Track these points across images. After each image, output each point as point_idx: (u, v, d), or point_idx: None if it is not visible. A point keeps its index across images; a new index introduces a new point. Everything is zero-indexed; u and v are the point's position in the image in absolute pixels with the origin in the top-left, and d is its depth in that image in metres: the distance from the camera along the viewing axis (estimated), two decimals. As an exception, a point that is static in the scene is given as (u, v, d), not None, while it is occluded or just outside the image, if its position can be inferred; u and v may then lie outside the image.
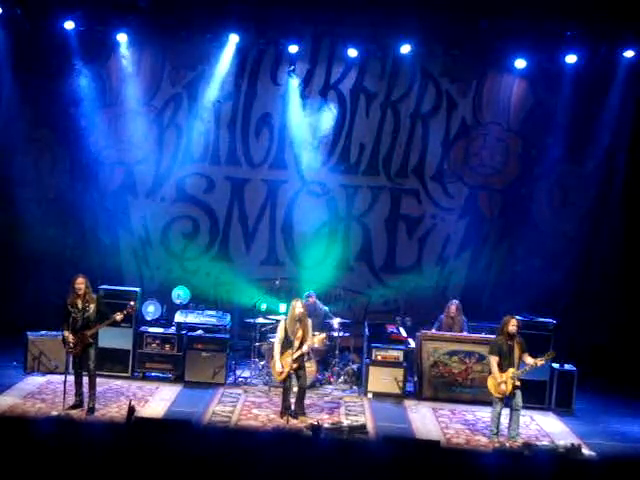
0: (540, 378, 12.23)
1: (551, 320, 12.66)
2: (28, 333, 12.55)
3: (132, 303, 11.33)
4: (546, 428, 11.48)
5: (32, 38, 13.99)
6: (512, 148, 15.05)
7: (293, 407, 10.98)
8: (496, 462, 4.12)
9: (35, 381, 12.06)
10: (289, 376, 10.92)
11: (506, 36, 13.80)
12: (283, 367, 10.88)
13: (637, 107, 14.39)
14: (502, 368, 10.45)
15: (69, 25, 13.91)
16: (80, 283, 10.59)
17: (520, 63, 14.24)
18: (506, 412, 10.60)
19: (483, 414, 11.75)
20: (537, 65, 14.29)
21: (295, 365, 10.87)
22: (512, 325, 10.49)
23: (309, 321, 11.14)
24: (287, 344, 10.96)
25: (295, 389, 11.06)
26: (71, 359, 10.78)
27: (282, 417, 10.80)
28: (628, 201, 14.74)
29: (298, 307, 10.97)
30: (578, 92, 14.34)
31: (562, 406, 12.34)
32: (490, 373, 10.64)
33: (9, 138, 14.72)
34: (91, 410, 10.68)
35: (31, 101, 14.57)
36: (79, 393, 10.87)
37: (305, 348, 10.97)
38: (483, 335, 12.59)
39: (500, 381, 10.39)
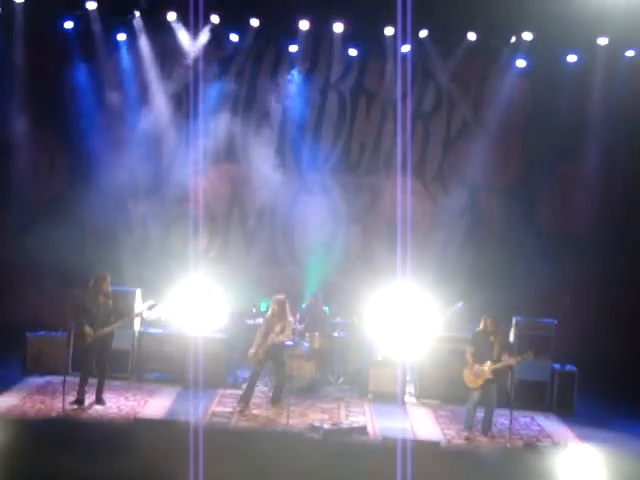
0: (541, 379, 12.21)
1: (552, 320, 12.63)
2: (28, 334, 12.52)
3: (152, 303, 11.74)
4: (547, 429, 11.45)
5: (32, 38, 13.98)
6: (513, 147, 15.03)
7: (271, 393, 11.61)
8: (495, 462, 4.11)
9: (35, 382, 12.03)
10: (263, 368, 11.51)
11: (506, 36, 13.81)
12: (257, 351, 11.35)
13: (636, 106, 14.36)
14: (478, 361, 10.59)
15: (69, 25, 13.91)
16: (108, 282, 11.05)
17: (520, 63, 14.23)
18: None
19: (483, 414, 11.73)
20: (537, 65, 14.27)
21: (262, 356, 11.34)
22: (483, 325, 10.74)
23: (289, 318, 11.53)
24: (264, 337, 11.47)
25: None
26: (85, 358, 10.99)
27: (239, 406, 11.22)
28: (629, 200, 14.72)
29: (276, 304, 11.49)
30: (578, 92, 14.32)
31: (563, 407, 12.31)
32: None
33: (9, 138, 14.69)
34: (100, 401, 10.95)
35: (31, 101, 14.55)
36: (82, 392, 10.92)
37: (278, 338, 11.34)
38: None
39: (474, 371, 10.56)
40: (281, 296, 11.68)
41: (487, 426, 10.65)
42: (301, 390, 12.18)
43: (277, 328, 11.37)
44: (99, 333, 10.84)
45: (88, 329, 10.79)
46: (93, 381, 11.33)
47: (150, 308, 11.57)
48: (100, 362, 11.00)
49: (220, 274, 14.98)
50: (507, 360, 10.53)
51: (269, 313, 11.68)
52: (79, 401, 10.84)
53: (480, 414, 10.71)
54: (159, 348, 12.65)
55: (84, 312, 10.89)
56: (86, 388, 10.92)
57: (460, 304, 12.84)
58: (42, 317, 12.98)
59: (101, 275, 11.10)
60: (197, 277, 14.90)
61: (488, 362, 10.50)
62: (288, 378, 11.45)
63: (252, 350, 11.43)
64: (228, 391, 12.23)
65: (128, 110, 14.82)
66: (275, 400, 11.47)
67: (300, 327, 13.40)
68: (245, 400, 11.29)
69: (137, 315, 11.79)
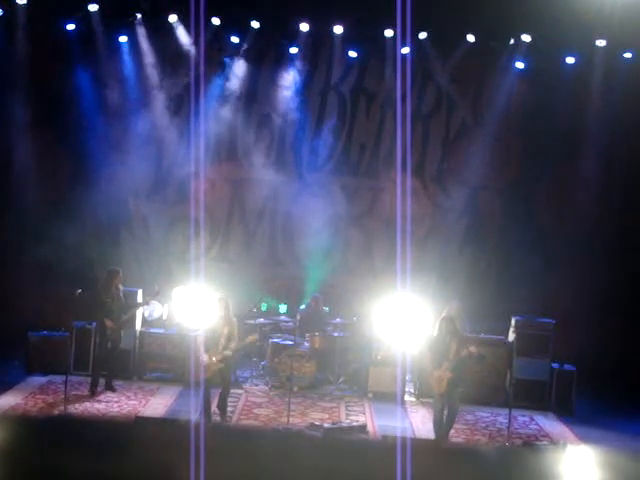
0: (540, 378, 12.26)
1: (551, 320, 12.69)
2: (29, 333, 12.59)
3: (157, 288, 12.40)
4: (545, 428, 11.51)
5: (33, 39, 14.05)
6: (512, 148, 15.08)
7: (215, 407, 10.72)
8: (494, 460, 4.16)
9: (37, 381, 12.10)
10: (216, 375, 10.70)
11: (504, 38, 13.88)
12: (208, 365, 10.56)
13: (635, 107, 14.42)
14: (437, 365, 10.18)
15: (71, 27, 13.98)
16: (120, 277, 11.87)
17: (519, 64, 14.31)
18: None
19: (483, 414, 11.81)
20: (537, 65, 14.34)
21: (221, 365, 10.61)
22: (439, 326, 10.45)
23: (234, 320, 10.90)
24: (211, 342, 10.72)
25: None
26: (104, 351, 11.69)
27: (206, 418, 10.45)
28: (628, 200, 14.76)
29: (220, 305, 10.79)
30: (576, 93, 14.38)
31: (562, 406, 12.36)
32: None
33: (10, 140, 14.75)
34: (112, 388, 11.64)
35: (32, 102, 14.60)
36: (95, 391, 11.49)
37: (229, 352, 10.64)
38: (482, 335, 12.61)
39: (435, 377, 10.19)
40: (223, 296, 11.03)
41: (446, 429, 10.22)
42: (302, 389, 12.26)
43: (225, 331, 10.65)
44: (118, 324, 11.61)
45: (109, 322, 11.51)
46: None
47: (157, 293, 12.26)
48: (111, 354, 11.70)
49: (221, 274, 15.07)
50: (467, 352, 10.07)
51: (216, 316, 10.81)
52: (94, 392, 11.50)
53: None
54: (160, 348, 12.71)
55: (101, 306, 11.52)
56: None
57: (455, 303, 12.89)
58: (44, 317, 13.05)
59: (114, 270, 11.92)
60: (198, 277, 14.98)
61: (445, 363, 10.10)
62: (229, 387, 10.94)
63: (206, 359, 10.55)
64: (229, 390, 12.28)
65: (129, 111, 14.88)
66: (222, 412, 10.66)
67: (289, 324, 13.38)
68: (209, 414, 10.56)
69: (146, 302, 12.37)
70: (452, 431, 10.66)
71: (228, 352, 10.63)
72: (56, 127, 14.79)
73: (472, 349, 10.15)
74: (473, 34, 13.96)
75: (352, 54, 14.43)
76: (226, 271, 15.07)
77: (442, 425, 10.24)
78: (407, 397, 12.55)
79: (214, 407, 10.73)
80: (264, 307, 14.07)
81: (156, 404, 11.40)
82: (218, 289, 12.96)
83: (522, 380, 11.95)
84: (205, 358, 10.57)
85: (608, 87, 14.30)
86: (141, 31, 14.24)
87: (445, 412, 10.30)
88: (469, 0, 13.10)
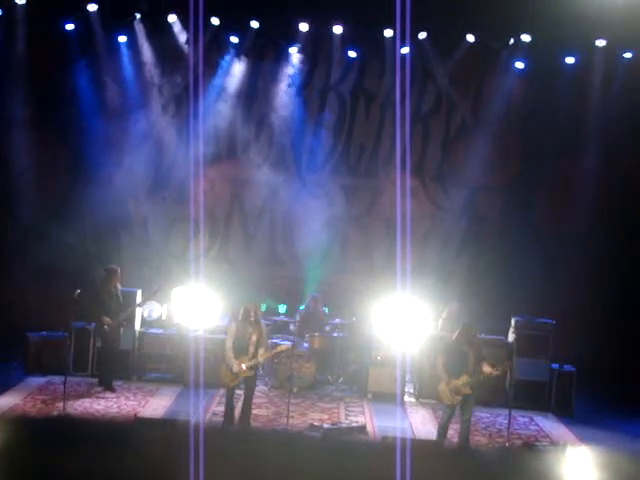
0: (540, 379, 12.24)
1: (550, 320, 12.67)
2: (28, 334, 12.58)
3: (155, 287, 12.58)
4: (545, 428, 11.50)
5: (33, 39, 14.05)
6: (512, 148, 15.08)
7: (238, 417, 10.43)
8: (494, 461, 4.15)
9: (36, 382, 12.08)
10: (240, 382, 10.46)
11: (504, 37, 13.88)
12: (238, 372, 10.27)
13: (634, 107, 14.42)
14: (452, 374, 9.72)
15: (70, 26, 13.99)
16: (119, 275, 11.99)
17: (519, 64, 14.31)
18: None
19: (482, 414, 11.79)
20: (537, 65, 14.34)
21: (250, 373, 10.35)
22: (458, 333, 9.87)
23: (264, 326, 10.63)
24: (239, 349, 10.33)
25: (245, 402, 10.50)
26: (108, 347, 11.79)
27: (225, 422, 10.27)
28: (628, 200, 14.76)
29: (252, 312, 10.42)
30: (576, 93, 14.38)
31: (562, 407, 12.34)
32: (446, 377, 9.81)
33: (10, 140, 14.74)
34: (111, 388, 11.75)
35: (31, 102, 14.60)
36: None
37: (260, 359, 10.42)
38: (482, 336, 12.60)
39: (451, 387, 9.71)
40: (251, 303, 10.61)
41: (465, 440, 9.81)
42: (301, 390, 12.25)
43: (254, 338, 10.27)
44: (115, 322, 11.68)
45: (107, 319, 11.62)
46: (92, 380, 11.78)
47: (155, 293, 12.31)
48: (110, 355, 11.82)
49: (220, 274, 15.06)
50: (490, 371, 9.69)
51: (242, 321, 10.40)
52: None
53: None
54: (160, 348, 12.70)
55: (100, 305, 11.63)
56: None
57: (455, 303, 12.90)
58: (44, 317, 13.04)
59: (112, 269, 12.00)
60: (198, 277, 14.97)
61: (464, 376, 9.64)
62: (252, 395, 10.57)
63: (236, 367, 10.19)
64: (228, 391, 12.27)
65: (128, 110, 14.88)
66: (245, 421, 10.37)
67: (293, 327, 13.37)
68: (232, 417, 10.36)
69: (145, 301, 12.41)
70: (451, 432, 10.64)
71: (260, 359, 10.40)
72: (56, 127, 14.80)
73: (486, 369, 9.69)
74: (473, 34, 13.98)
75: (352, 54, 14.44)
76: (226, 271, 15.07)
77: (447, 430, 9.95)
78: (407, 397, 12.54)
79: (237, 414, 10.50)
80: (264, 307, 14.03)
81: (155, 404, 11.39)
82: (219, 289, 13.01)
83: (522, 381, 11.94)
84: (236, 366, 10.22)
85: (608, 87, 14.31)
86: (140, 31, 14.25)
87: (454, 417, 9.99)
88: (469, 0, 13.10)
